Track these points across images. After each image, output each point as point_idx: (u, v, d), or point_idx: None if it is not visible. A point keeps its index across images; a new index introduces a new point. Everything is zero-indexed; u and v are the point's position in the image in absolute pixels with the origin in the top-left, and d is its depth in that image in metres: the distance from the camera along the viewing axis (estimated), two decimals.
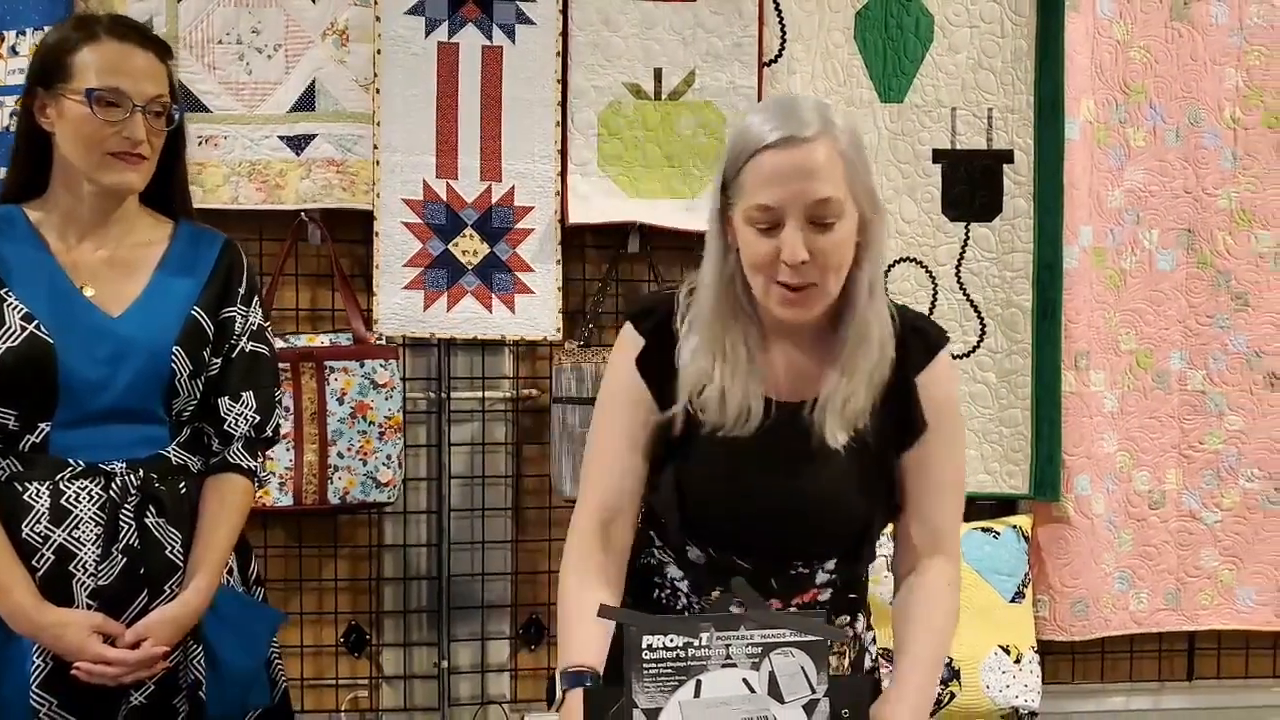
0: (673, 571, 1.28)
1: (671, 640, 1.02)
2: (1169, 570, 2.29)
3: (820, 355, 1.22)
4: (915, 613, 1.24)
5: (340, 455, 2.13)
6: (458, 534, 2.24)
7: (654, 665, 1.01)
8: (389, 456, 2.14)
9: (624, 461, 1.24)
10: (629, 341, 1.25)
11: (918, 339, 1.24)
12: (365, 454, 2.13)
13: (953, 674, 2.04)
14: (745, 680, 1.02)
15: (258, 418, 1.50)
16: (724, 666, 1.02)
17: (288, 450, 2.13)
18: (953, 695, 2.04)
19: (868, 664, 1.36)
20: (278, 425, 1.56)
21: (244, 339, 1.50)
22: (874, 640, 1.38)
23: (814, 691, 1.03)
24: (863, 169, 1.16)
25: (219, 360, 1.48)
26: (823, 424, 1.18)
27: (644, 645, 1.01)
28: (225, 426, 1.48)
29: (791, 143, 1.11)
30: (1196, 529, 2.30)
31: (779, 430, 1.20)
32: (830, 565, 1.25)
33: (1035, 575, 2.20)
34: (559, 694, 1.11)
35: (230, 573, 1.52)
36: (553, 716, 1.15)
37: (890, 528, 1.31)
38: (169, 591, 1.40)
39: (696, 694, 1.01)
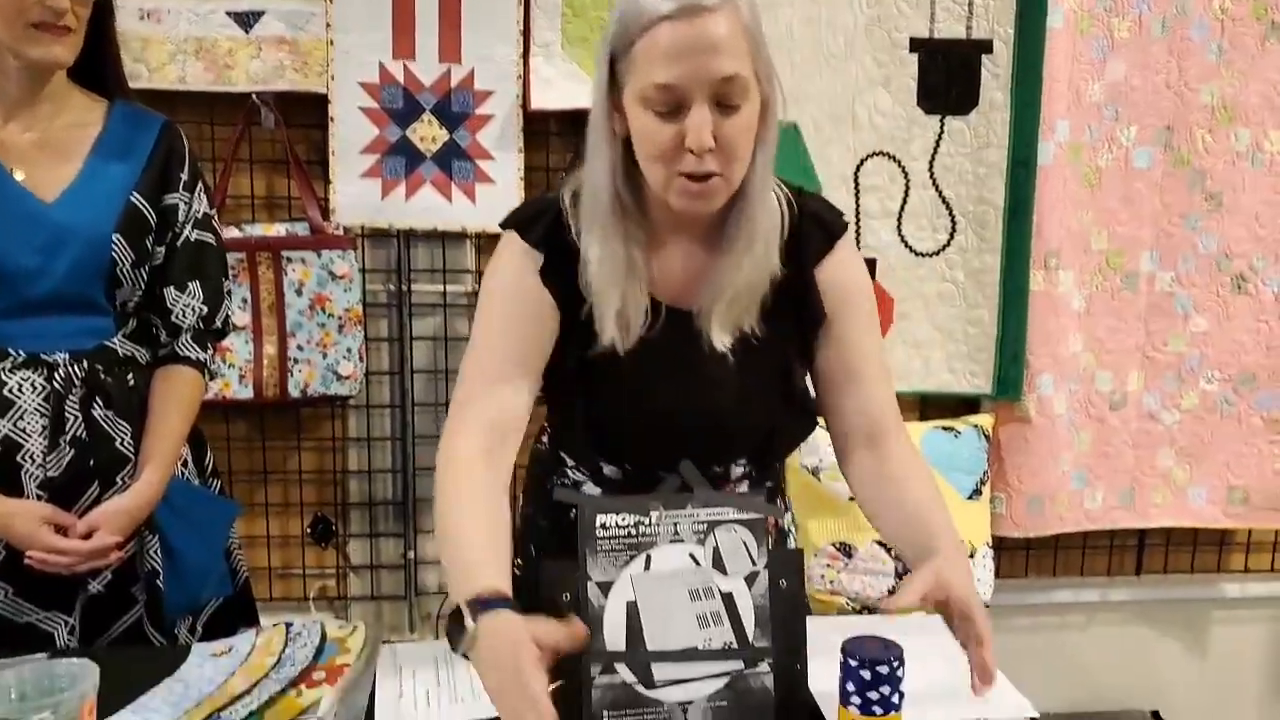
0: (590, 489, 1.27)
1: (623, 519, 1.05)
2: (1125, 470, 2.33)
3: (710, 253, 1.15)
4: (906, 490, 1.19)
5: (300, 348, 2.11)
6: (421, 427, 2.23)
7: (606, 542, 1.04)
8: (349, 350, 2.11)
9: (517, 382, 1.15)
10: (521, 254, 1.16)
11: (815, 228, 1.18)
12: (325, 347, 2.11)
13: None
14: (691, 555, 1.05)
15: (205, 309, 1.47)
16: (672, 542, 1.05)
17: (246, 343, 2.10)
18: None
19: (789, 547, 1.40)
20: (227, 317, 1.53)
21: (188, 227, 1.46)
22: (793, 522, 1.41)
23: (755, 565, 1.06)
24: (764, 44, 1.06)
25: (163, 249, 1.44)
26: (709, 329, 1.14)
27: (597, 524, 1.04)
28: (172, 318, 1.46)
29: (692, 12, 1.00)
30: (1154, 430, 2.32)
31: (673, 337, 1.15)
32: (742, 463, 1.26)
33: (993, 473, 2.23)
34: (469, 628, 0.96)
35: (185, 465, 1.52)
36: None
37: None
38: (120, 484, 1.40)
39: (646, 567, 1.05)
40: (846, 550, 2.11)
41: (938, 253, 2.18)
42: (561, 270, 1.14)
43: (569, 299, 1.15)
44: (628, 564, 1.05)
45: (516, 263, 1.16)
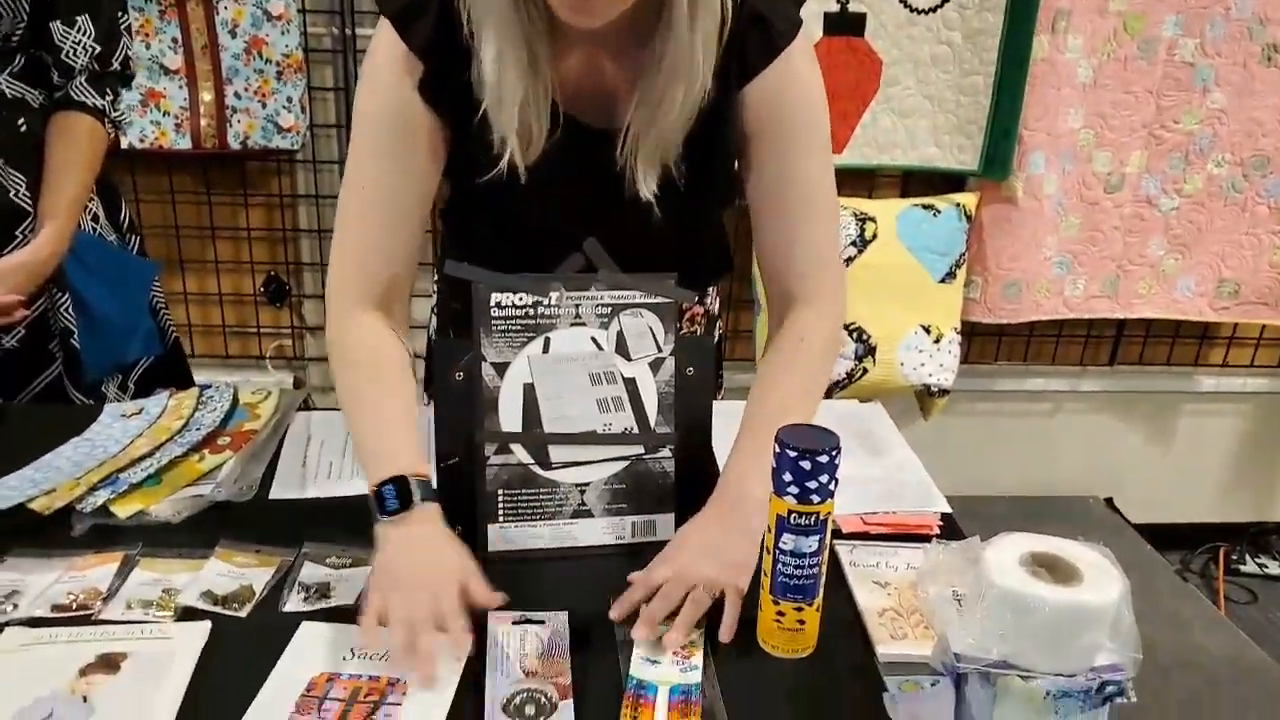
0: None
1: (521, 299, 0.97)
2: (1112, 257, 2.22)
3: (629, 72, 0.97)
4: (764, 382, 1.04)
5: (237, 95, 1.96)
6: None
7: (503, 322, 0.97)
8: (289, 99, 1.97)
9: (401, 225, 1.01)
10: (398, 64, 0.96)
11: (756, 36, 0.96)
12: (264, 95, 1.96)
13: (868, 350, 2.03)
14: (594, 338, 0.98)
15: (98, 47, 1.33)
16: (573, 325, 0.98)
17: (180, 88, 1.96)
18: (865, 371, 2.05)
19: (716, 336, 1.33)
20: (127, 59, 1.39)
21: None
22: (718, 310, 1.33)
23: (660, 350, 0.99)
24: None
25: None
26: (633, 167, 0.97)
27: (492, 302, 0.96)
28: (63, 56, 1.32)
29: None
30: (1149, 216, 2.20)
31: (581, 155, 0.99)
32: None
33: (971, 256, 2.13)
34: (415, 503, 0.91)
35: (96, 220, 1.43)
36: None
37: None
38: (20, 238, 1.32)
39: (545, 350, 0.98)
40: None
41: (935, 9, 1.97)
42: (448, 78, 0.96)
43: (458, 113, 0.97)
44: (525, 345, 0.98)
45: (393, 77, 0.96)
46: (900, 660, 0.87)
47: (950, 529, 1.07)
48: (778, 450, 0.82)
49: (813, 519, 0.83)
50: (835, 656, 0.88)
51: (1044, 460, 2.56)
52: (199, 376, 2.26)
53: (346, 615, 0.89)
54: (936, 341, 2.09)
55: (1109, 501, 2.58)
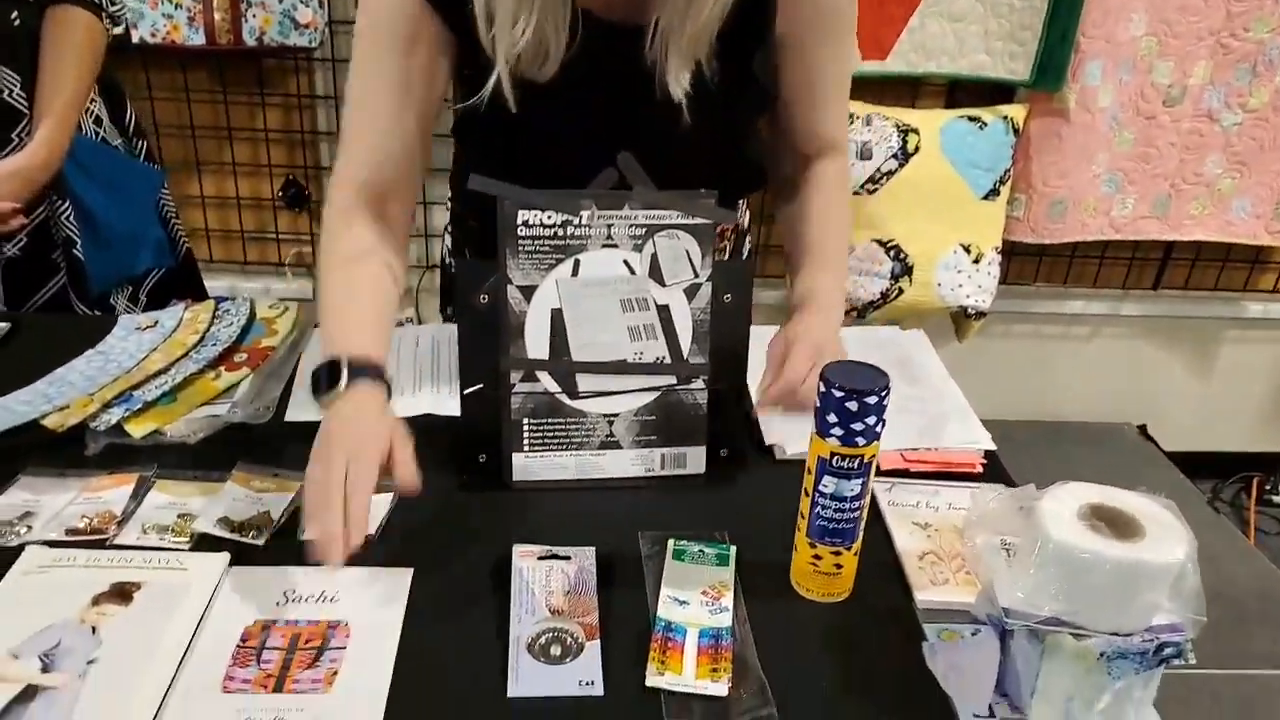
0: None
1: (549, 217, 0.91)
2: (1164, 175, 2.12)
3: None
4: (812, 211, 1.10)
5: None
6: None
7: (530, 242, 0.91)
8: None
9: (397, 121, 0.96)
10: None
11: None
12: None
13: (905, 269, 1.96)
14: (626, 262, 0.93)
15: None
16: (604, 247, 0.92)
17: None
18: (901, 291, 1.98)
19: (746, 250, 1.28)
20: None
21: None
22: (749, 225, 1.28)
23: (697, 275, 0.93)
24: None
25: None
26: (664, 65, 0.91)
27: (519, 221, 0.90)
28: None
29: None
30: (1209, 131, 2.09)
31: (607, 56, 0.92)
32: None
33: (1016, 172, 2.03)
34: (339, 384, 0.87)
35: (99, 122, 1.37)
36: None
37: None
38: (16, 141, 1.26)
39: (574, 273, 0.92)
40: None
41: None
42: None
43: (464, 20, 0.91)
44: (553, 268, 0.92)
45: None
46: (940, 607, 0.84)
47: (994, 467, 1.03)
48: (822, 389, 0.77)
49: (856, 462, 0.78)
50: (871, 601, 0.85)
51: (1078, 386, 2.50)
52: (217, 283, 2.24)
53: (364, 546, 0.86)
54: (976, 261, 2.01)
55: (1142, 429, 2.53)
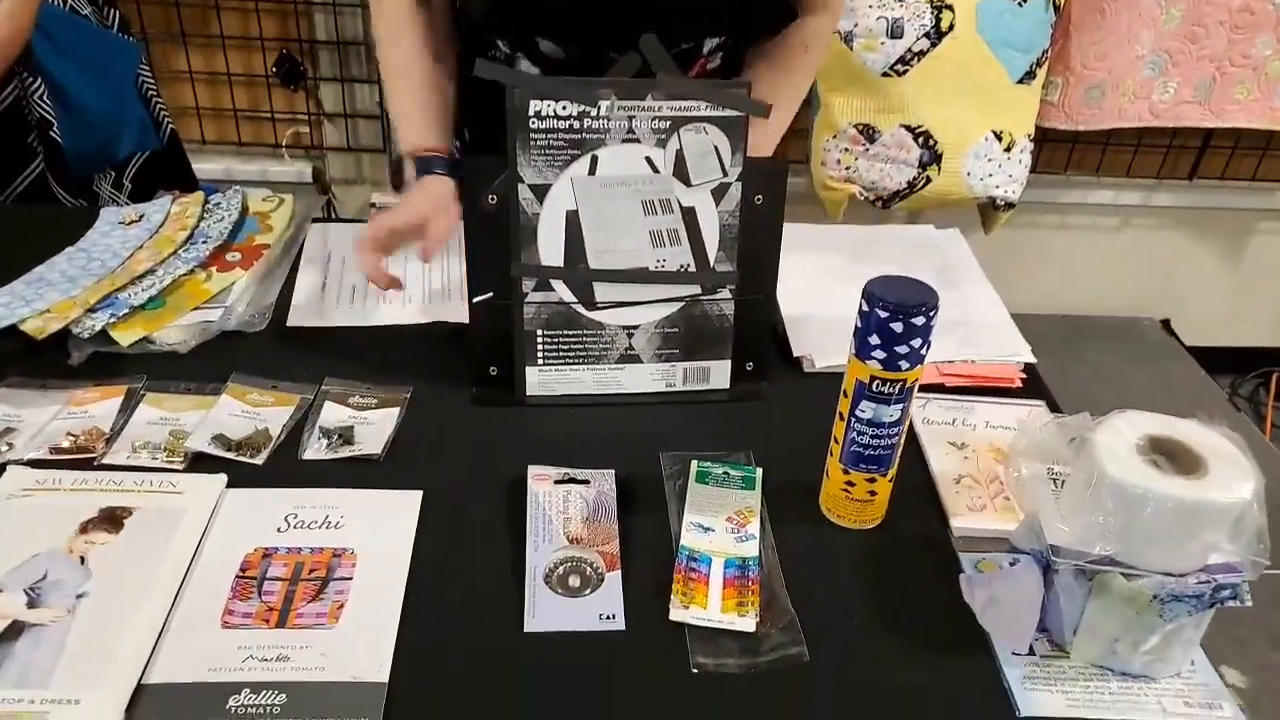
0: (525, 67, 1.00)
1: (564, 108, 0.83)
2: (1211, 57, 1.99)
3: None
4: (759, 73, 1.05)
5: None
6: None
7: (543, 136, 0.83)
8: None
9: None
10: None
11: None
12: None
13: (934, 157, 1.86)
14: (648, 159, 0.85)
15: None
16: (625, 141, 0.84)
17: None
18: (928, 180, 1.88)
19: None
20: None
21: None
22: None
23: (725, 175, 0.86)
24: None
25: None
26: None
27: (531, 112, 0.82)
28: None
29: None
30: (1260, 10, 1.94)
31: None
32: (717, 40, 1.00)
33: (1054, 54, 1.90)
34: (408, 174, 0.94)
35: None
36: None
37: None
38: None
39: (591, 171, 0.85)
40: (869, 133, 1.87)
41: None
42: None
43: None
44: (569, 165, 0.84)
45: None
46: (977, 535, 0.79)
47: (1033, 382, 0.97)
48: (865, 308, 0.71)
49: (898, 387, 0.72)
50: (904, 528, 0.80)
51: (1103, 279, 2.42)
52: (212, 165, 2.14)
53: (369, 466, 0.82)
54: (1008, 150, 1.91)
55: (1165, 323, 2.46)
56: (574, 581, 0.73)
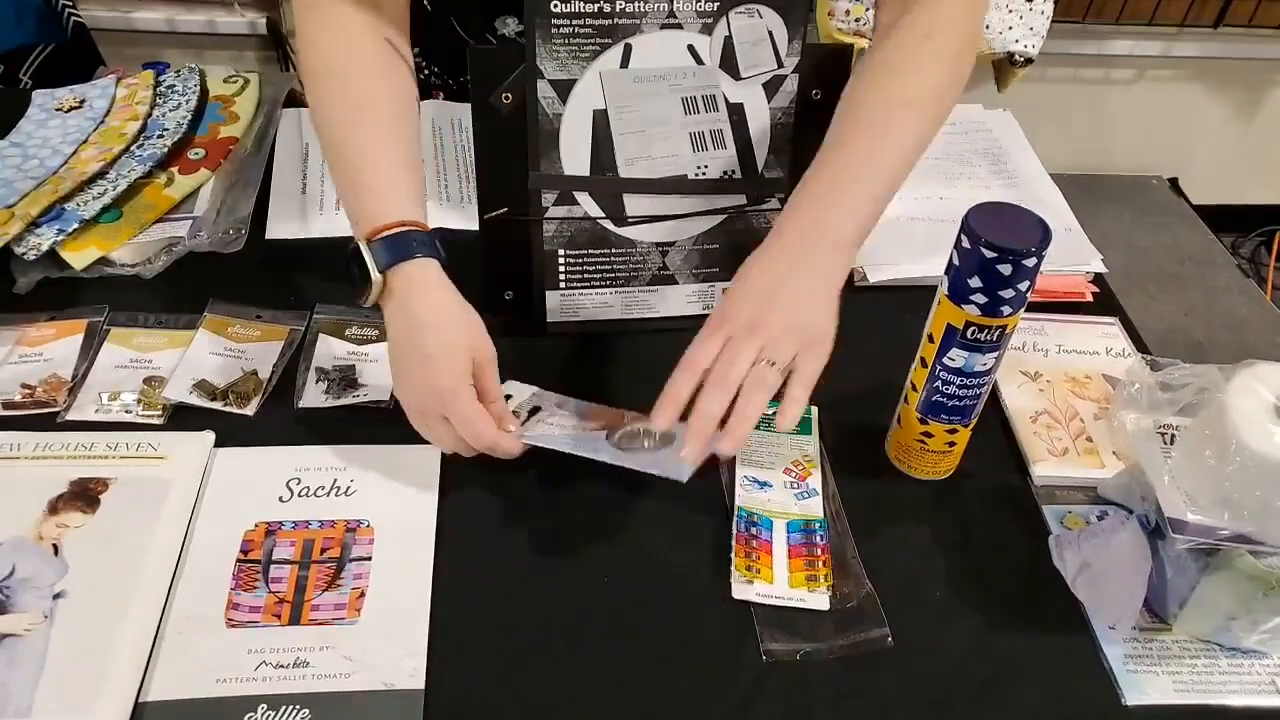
0: None
1: None
2: None
3: None
4: (866, 79, 0.69)
5: None
6: None
7: (566, 23, 0.69)
8: None
9: None
10: None
11: None
12: None
13: None
14: (691, 47, 0.72)
15: None
16: (664, 28, 0.71)
17: None
18: None
19: None
20: None
21: None
22: None
23: (781, 65, 0.73)
24: None
25: None
26: None
27: None
28: None
29: None
30: None
31: None
32: None
33: None
34: (375, 278, 0.63)
35: None
36: None
37: None
38: None
39: (624, 63, 0.71)
40: None
41: None
42: None
43: None
44: (597, 56, 0.71)
45: None
46: (1060, 484, 0.72)
47: (1105, 296, 0.88)
48: (966, 244, 0.60)
49: (996, 334, 0.63)
50: (979, 476, 0.72)
51: (1110, 135, 2.30)
52: (150, 14, 1.91)
53: (377, 415, 0.71)
54: (1029, 0, 1.75)
55: (1173, 182, 2.36)
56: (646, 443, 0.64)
